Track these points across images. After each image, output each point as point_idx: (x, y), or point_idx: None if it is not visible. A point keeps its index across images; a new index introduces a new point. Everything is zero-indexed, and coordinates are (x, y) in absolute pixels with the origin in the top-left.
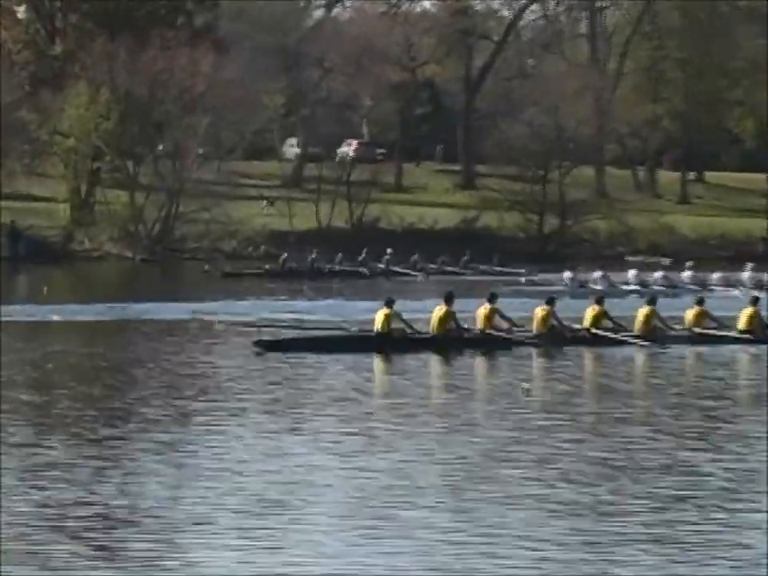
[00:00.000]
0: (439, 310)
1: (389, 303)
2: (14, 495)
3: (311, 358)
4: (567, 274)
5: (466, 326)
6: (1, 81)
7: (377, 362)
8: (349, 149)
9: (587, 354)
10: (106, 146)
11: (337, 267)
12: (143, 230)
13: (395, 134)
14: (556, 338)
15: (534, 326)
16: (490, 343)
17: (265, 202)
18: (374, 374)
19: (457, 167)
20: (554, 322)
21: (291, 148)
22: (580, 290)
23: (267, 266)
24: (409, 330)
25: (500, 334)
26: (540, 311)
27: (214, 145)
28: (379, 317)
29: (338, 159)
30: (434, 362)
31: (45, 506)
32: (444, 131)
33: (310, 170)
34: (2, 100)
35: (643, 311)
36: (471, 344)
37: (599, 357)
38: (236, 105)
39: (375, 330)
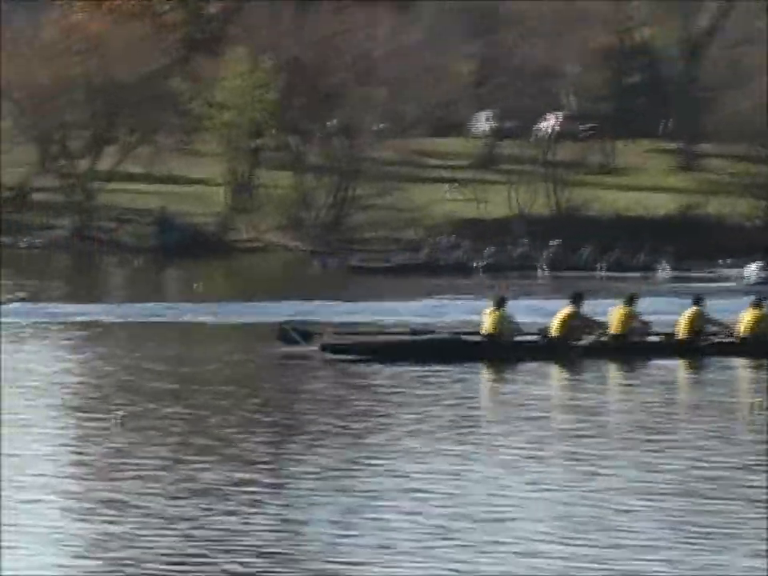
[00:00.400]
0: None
1: (499, 303)
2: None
3: (400, 367)
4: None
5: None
6: (149, 46)
7: (488, 372)
8: (549, 123)
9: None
10: (268, 120)
11: (484, 262)
12: (311, 217)
13: (605, 107)
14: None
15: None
16: (624, 351)
17: (448, 186)
18: (499, 384)
19: (675, 145)
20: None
21: (482, 123)
22: None
23: (401, 259)
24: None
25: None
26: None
27: (392, 119)
28: (487, 319)
29: (536, 136)
30: (555, 371)
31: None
32: (662, 103)
33: (503, 148)
34: (149, 68)
35: None
36: (603, 351)
37: None
38: (419, 73)
39: (483, 332)
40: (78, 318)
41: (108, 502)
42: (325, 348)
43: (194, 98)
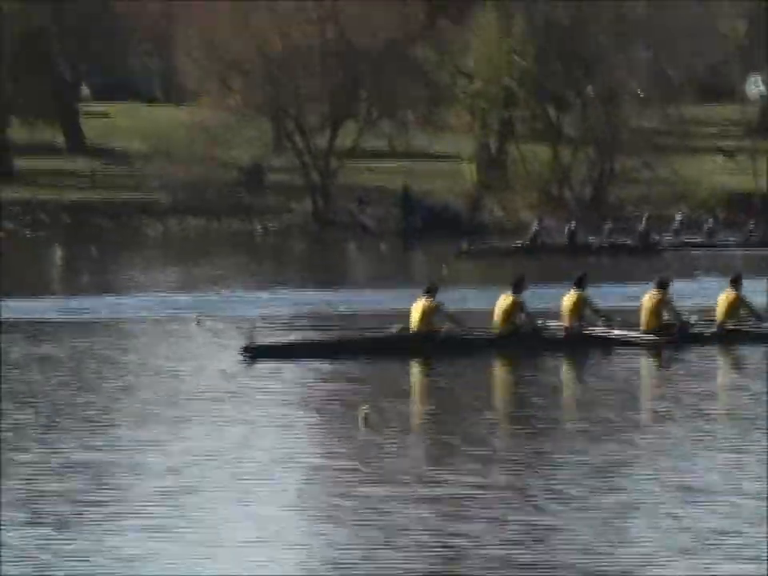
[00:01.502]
0: (505, 299)
1: (430, 291)
2: None
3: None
4: None
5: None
6: (390, 12)
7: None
8: None
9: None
10: (521, 89)
11: (604, 241)
12: (570, 194)
13: None
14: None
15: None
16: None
17: (720, 156)
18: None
19: None
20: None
21: (756, 87)
22: None
23: (520, 242)
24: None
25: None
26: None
27: (657, 85)
28: (415, 310)
29: None
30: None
31: None
32: None
33: None
34: (391, 35)
35: None
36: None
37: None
38: (686, 34)
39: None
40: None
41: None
42: (249, 351)
43: (440, 67)
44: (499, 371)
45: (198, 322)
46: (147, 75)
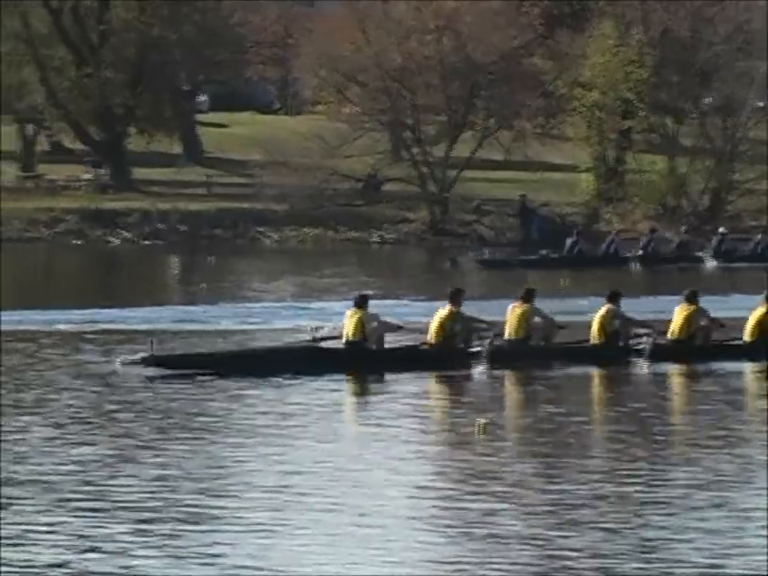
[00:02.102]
0: (441, 312)
1: (360, 302)
2: None
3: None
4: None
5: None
6: (507, 22)
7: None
8: None
9: None
10: (638, 100)
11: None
12: (687, 204)
13: None
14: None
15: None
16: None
17: None
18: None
19: None
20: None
21: None
22: None
23: (545, 252)
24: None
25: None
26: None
27: None
28: (348, 322)
29: None
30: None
31: None
32: None
33: None
34: (508, 46)
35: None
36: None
37: None
38: None
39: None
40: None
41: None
42: (149, 362)
43: (557, 78)
44: (597, 382)
45: (314, 330)
46: (265, 85)
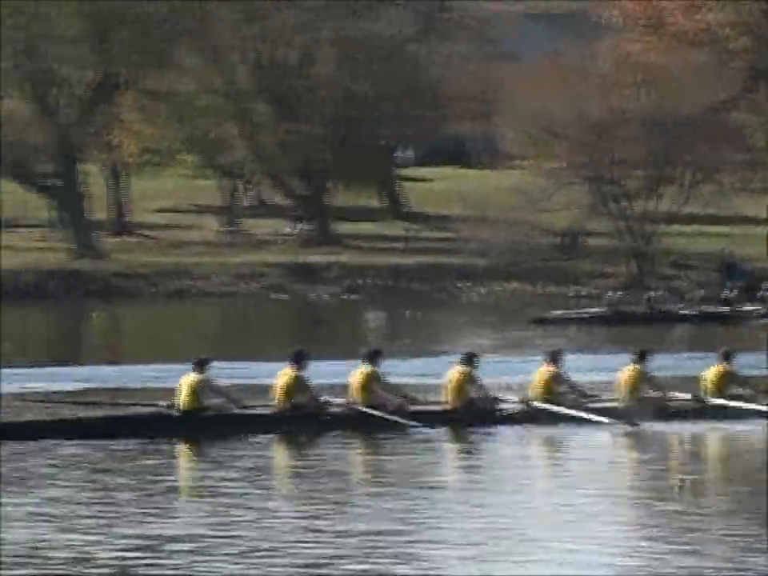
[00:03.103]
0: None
1: (200, 364)
2: None
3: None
4: None
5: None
6: (711, 76)
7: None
8: None
9: None
10: None
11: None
12: None
13: None
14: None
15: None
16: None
17: None
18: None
19: None
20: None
21: None
22: None
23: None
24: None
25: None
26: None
27: None
28: (185, 384)
29: None
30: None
31: None
32: None
33: None
34: (711, 100)
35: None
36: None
37: None
38: None
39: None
40: None
41: None
42: None
43: (758, 131)
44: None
45: None
46: (467, 140)
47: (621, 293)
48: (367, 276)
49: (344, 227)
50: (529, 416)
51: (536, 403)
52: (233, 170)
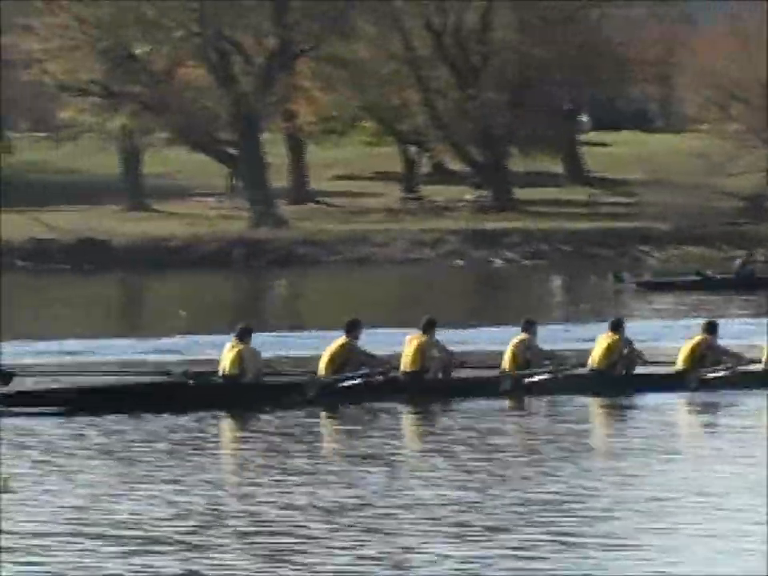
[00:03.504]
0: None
1: (242, 334)
2: None
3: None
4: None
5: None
6: None
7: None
8: None
9: None
10: None
11: None
12: None
13: None
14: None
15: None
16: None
17: None
18: None
19: None
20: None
21: None
22: None
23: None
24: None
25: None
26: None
27: None
28: (226, 355)
29: None
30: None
31: None
32: None
33: None
34: None
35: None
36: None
37: None
38: None
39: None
40: None
41: None
42: None
43: None
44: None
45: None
46: (647, 104)
47: None
48: (547, 242)
49: (523, 193)
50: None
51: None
52: (412, 136)
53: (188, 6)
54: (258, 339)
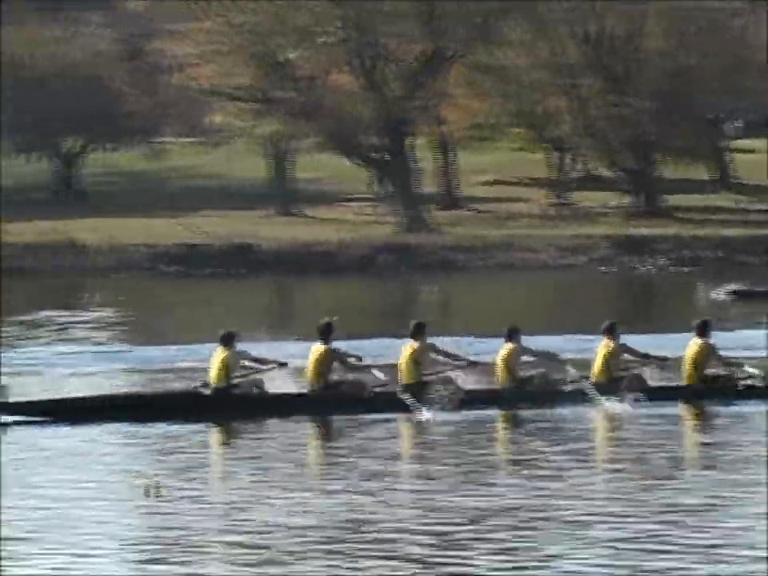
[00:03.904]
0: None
1: (226, 339)
2: None
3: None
4: None
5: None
6: None
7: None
8: None
9: None
10: None
11: None
12: None
13: None
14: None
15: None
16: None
17: None
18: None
19: None
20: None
21: None
22: None
23: None
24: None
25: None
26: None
27: None
28: (214, 364)
29: None
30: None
31: None
32: None
33: None
34: None
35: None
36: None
37: None
38: None
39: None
40: None
41: None
42: None
43: None
44: None
45: None
46: None
47: None
48: (697, 248)
49: (672, 199)
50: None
51: None
52: (561, 143)
53: (338, 12)
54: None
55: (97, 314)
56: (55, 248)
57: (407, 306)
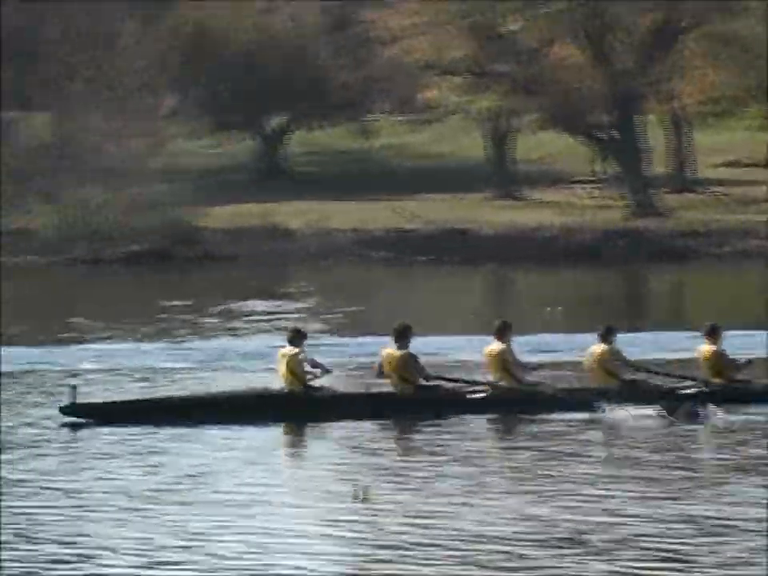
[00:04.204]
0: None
1: (293, 340)
2: None
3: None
4: None
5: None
6: None
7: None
8: None
9: None
10: None
11: None
12: None
13: None
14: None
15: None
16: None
17: None
18: None
19: None
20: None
21: None
22: None
23: None
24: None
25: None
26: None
27: None
28: (281, 364)
29: None
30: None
31: None
32: None
33: None
34: None
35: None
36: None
37: None
38: None
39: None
40: None
41: None
42: (67, 410)
43: None
44: None
45: None
46: None
47: None
48: None
49: None
50: None
51: None
52: None
53: None
54: (627, 339)
55: (304, 304)
56: (258, 233)
57: (632, 297)
